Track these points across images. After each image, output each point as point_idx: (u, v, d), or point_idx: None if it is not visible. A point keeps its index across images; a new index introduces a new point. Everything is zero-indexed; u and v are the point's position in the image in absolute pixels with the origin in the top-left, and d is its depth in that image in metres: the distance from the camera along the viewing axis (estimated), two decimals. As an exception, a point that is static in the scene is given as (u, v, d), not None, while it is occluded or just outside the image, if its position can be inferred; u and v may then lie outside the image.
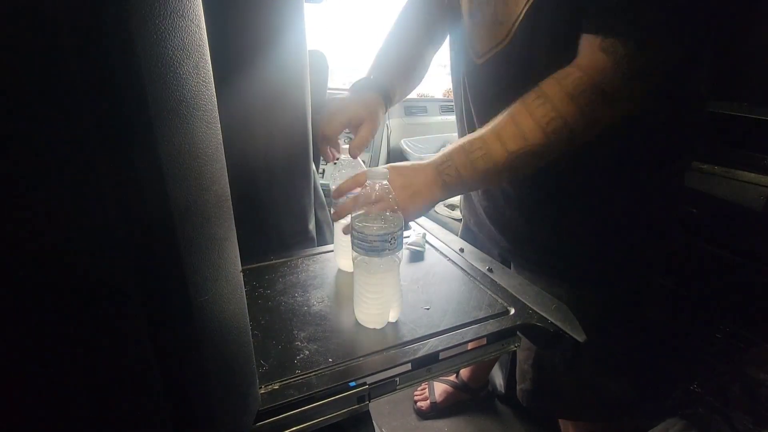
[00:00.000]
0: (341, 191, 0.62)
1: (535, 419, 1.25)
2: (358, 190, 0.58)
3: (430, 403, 1.29)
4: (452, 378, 1.33)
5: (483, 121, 0.61)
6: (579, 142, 0.56)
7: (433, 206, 0.62)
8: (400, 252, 0.54)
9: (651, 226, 0.72)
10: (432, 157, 0.62)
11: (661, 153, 0.67)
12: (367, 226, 0.51)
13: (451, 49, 0.80)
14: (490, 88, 0.68)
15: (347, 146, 0.66)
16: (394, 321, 0.57)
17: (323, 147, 0.70)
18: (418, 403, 1.30)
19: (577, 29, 0.55)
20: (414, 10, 0.81)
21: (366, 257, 0.52)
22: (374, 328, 0.55)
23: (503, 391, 1.36)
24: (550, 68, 0.56)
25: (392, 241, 0.51)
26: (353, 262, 0.55)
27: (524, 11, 0.59)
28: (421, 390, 1.34)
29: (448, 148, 0.61)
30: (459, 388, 1.31)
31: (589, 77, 0.53)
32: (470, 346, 0.57)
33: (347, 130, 0.68)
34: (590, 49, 0.53)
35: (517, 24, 0.60)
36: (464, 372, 1.32)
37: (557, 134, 0.54)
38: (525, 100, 0.56)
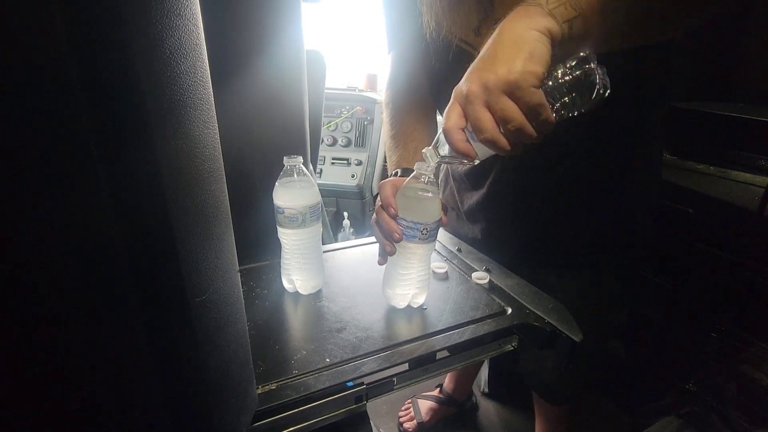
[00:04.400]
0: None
1: (527, 422, 1.25)
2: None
3: (417, 423, 1.25)
4: (436, 393, 1.30)
5: None
6: None
7: (545, 56, 0.41)
8: (433, 244, 0.57)
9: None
10: None
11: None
12: (405, 214, 0.55)
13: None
14: None
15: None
16: (416, 306, 0.60)
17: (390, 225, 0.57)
18: (405, 425, 1.25)
19: None
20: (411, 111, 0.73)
21: (403, 242, 0.56)
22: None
23: (487, 390, 1.36)
24: None
25: (425, 232, 0.55)
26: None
27: None
28: (406, 410, 1.29)
29: None
30: (444, 402, 1.27)
31: None
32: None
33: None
34: None
35: None
36: (448, 385, 1.29)
37: None
38: None
